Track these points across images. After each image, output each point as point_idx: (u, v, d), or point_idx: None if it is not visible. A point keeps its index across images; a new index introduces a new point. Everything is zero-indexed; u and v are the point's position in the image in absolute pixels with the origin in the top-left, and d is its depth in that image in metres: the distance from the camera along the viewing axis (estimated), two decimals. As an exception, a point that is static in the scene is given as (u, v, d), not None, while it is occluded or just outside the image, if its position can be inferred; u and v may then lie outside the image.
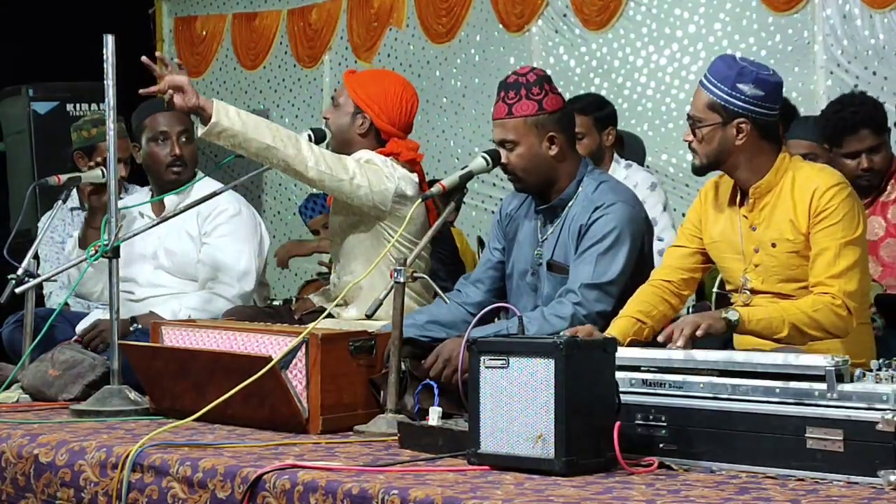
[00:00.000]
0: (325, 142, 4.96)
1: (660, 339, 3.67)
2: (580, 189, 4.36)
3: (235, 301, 5.21)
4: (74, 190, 6.38)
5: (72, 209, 6.44)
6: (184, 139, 5.31)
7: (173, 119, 5.29)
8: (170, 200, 5.28)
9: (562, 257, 4.35)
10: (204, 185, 5.29)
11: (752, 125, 3.89)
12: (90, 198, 5.32)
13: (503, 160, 4.35)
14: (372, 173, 4.71)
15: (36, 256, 5.33)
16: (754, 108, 3.88)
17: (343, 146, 4.91)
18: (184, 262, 5.29)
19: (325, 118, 5.01)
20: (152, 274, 5.32)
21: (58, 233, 6.38)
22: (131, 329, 5.02)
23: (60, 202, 5.54)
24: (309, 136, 4.86)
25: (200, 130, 4.52)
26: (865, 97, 5.15)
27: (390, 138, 4.90)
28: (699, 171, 4.02)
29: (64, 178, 5.29)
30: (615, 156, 6.14)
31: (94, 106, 8.49)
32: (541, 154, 4.31)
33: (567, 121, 4.40)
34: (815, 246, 3.85)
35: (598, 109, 6.03)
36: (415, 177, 4.86)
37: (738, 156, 3.93)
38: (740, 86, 3.87)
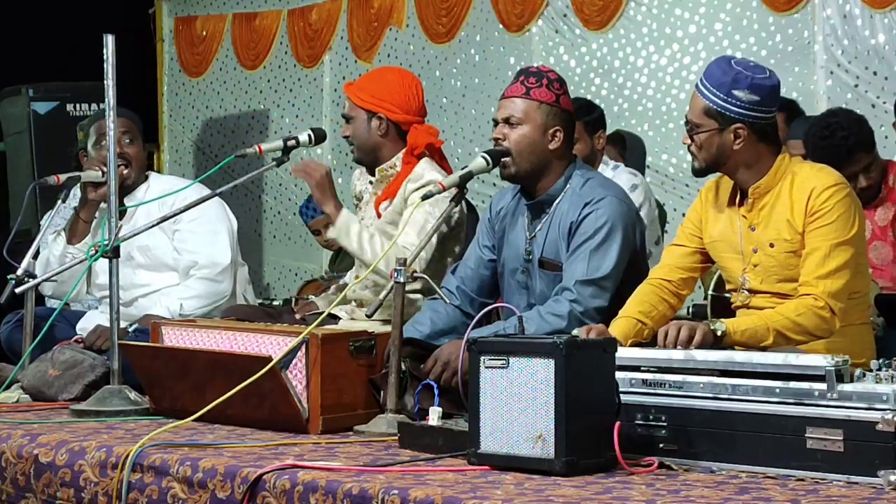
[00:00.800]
0: (333, 142, 4.96)
1: (659, 343, 3.67)
2: (568, 185, 4.36)
3: (224, 278, 5.27)
4: (78, 188, 6.40)
5: (74, 208, 6.43)
6: (127, 140, 5.31)
7: (117, 122, 5.29)
8: (135, 201, 5.33)
9: (552, 254, 4.35)
10: (159, 183, 5.36)
11: (749, 130, 3.89)
12: (87, 191, 5.31)
13: (499, 135, 4.34)
14: (442, 208, 4.69)
15: (36, 256, 5.33)
16: (751, 112, 3.88)
17: (371, 154, 4.92)
18: (159, 254, 5.32)
19: (345, 137, 4.99)
20: (133, 275, 5.33)
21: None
22: (129, 331, 5.03)
23: (60, 201, 5.54)
24: (309, 136, 4.86)
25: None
26: (850, 117, 5.13)
27: (410, 127, 4.91)
28: (699, 173, 4.03)
29: (63, 177, 5.29)
30: (604, 157, 6.17)
31: (94, 106, 8.49)
32: (541, 142, 4.33)
33: (572, 125, 4.43)
34: (808, 245, 3.86)
35: (588, 114, 6.04)
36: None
37: (736, 159, 3.93)
38: (736, 92, 3.86)
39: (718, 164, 3.96)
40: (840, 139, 4.95)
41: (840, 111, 5.29)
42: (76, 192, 6.44)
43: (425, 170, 4.83)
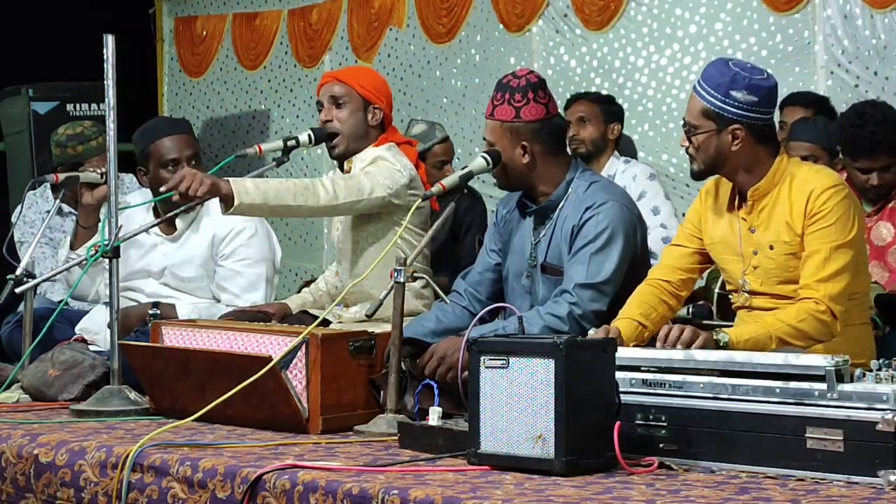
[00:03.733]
0: (331, 142, 4.94)
1: (658, 342, 3.67)
2: (570, 190, 4.35)
3: None
4: (50, 190, 6.43)
5: (47, 211, 6.48)
6: (193, 163, 5.22)
7: (181, 143, 5.19)
8: (180, 220, 5.23)
9: (555, 259, 4.34)
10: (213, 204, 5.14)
11: (747, 131, 3.89)
12: (82, 194, 5.30)
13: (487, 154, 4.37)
14: (384, 173, 4.71)
15: (11, 246, 5.38)
16: (748, 114, 3.87)
17: (358, 143, 4.89)
18: (190, 287, 5.27)
19: (326, 121, 4.93)
20: (157, 287, 5.29)
21: (37, 227, 6.42)
22: (150, 314, 5.00)
23: (59, 200, 5.49)
24: (309, 136, 4.85)
25: (223, 209, 4.56)
26: (886, 112, 5.10)
27: (388, 126, 4.94)
28: (698, 176, 4.02)
29: (62, 176, 5.28)
30: (615, 153, 6.18)
31: (94, 106, 8.49)
32: (512, 159, 4.33)
33: (547, 131, 4.35)
34: (807, 248, 3.85)
35: (607, 103, 6.07)
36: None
37: (735, 161, 3.93)
38: (733, 93, 3.86)
39: (717, 166, 3.95)
40: (868, 132, 4.94)
41: (881, 105, 5.26)
42: (48, 196, 6.49)
43: (380, 151, 4.83)
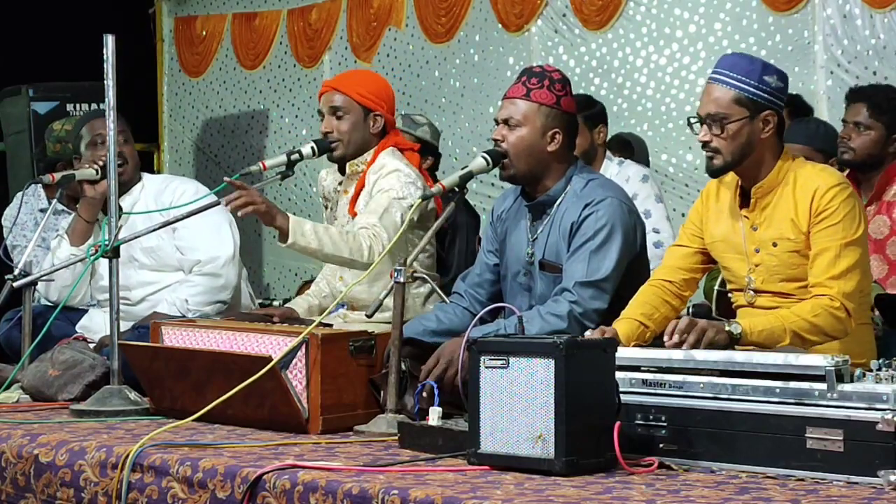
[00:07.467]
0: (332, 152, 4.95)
1: (666, 341, 3.66)
2: (569, 187, 4.35)
3: (225, 271, 5.26)
4: (41, 188, 6.44)
5: (41, 210, 6.48)
6: (122, 139, 5.28)
7: (99, 124, 5.31)
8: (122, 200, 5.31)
9: (553, 255, 4.34)
10: (153, 183, 5.40)
11: (776, 117, 3.90)
12: (84, 188, 5.31)
13: (498, 136, 4.34)
14: (405, 197, 4.71)
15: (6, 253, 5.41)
16: (777, 100, 3.91)
17: (360, 151, 4.90)
18: (163, 255, 5.33)
19: (326, 132, 4.91)
20: (139, 274, 5.33)
21: (28, 227, 6.42)
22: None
23: (56, 200, 5.51)
24: (312, 148, 4.83)
25: (279, 238, 4.58)
26: (894, 89, 5.28)
27: (391, 129, 4.94)
28: (720, 171, 3.95)
29: (58, 176, 5.29)
30: (608, 153, 6.17)
31: (94, 106, 8.50)
32: (540, 144, 4.31)
33: (574, 127, 4.41)
34: (815, 246, 3.85)
35: (587, 109, 6.04)
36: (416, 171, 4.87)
37: (761, 150, 3.91)
38: (766, 78, 3.89)
39: (744, 156, 3.91)
40: (867, 85, 5.10)
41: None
42: (40, 194, 6.50)
43: (387, 159, 4.83)
